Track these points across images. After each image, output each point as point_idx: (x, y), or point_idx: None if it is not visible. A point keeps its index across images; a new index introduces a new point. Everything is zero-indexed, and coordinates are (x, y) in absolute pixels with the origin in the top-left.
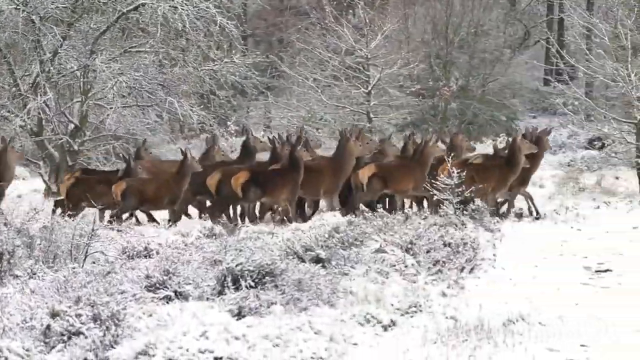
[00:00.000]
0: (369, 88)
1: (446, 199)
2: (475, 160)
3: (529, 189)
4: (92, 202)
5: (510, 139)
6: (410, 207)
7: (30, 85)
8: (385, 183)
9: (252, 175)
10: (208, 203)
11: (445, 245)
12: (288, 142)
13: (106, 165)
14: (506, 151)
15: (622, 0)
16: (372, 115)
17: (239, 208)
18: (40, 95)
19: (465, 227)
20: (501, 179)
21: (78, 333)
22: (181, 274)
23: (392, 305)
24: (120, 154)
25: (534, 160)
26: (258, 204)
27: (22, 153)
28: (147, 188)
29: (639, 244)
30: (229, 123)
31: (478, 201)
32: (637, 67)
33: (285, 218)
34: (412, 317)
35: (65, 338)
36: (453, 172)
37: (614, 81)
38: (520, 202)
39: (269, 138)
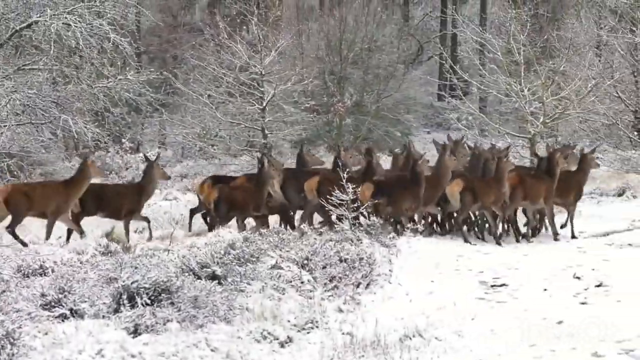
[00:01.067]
0: (264, 104)
1: (342, 215)
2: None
3: None
4: None
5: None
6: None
7: None
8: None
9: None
10: None
11: (341, 261)
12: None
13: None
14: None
15: (514, 15)
16: (267, 132)
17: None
18: None
19: (361, 243)
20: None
21: None
22: (77, 292)
23: (289, 321)
24: (15, 172)
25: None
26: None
27: None
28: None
29: (533, 258)
30: (123, 140)
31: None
32: (530, 82)
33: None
34: (308, 333)
35: None
36: (348, 187)
37: (508, 96)
38: None
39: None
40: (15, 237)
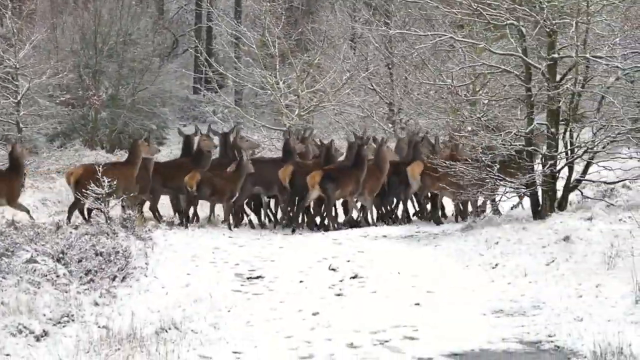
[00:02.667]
0: (18, 98)
1: (98, 208)
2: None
3: None
4: None
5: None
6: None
7: None
8: None
9: None
10: None
11: (97, 254)
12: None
13: None
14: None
15: (268, 8)
16: (22, 126)
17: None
18: None
19: (117, 236)
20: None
21: None
22: None
23: (44, 315)
24: None
25: None
26: None
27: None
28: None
29: (289, 250)
30: None
31: (130, 210)
32: (285, 75)
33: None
34: (64, 327)
35: None
36: (104, 180)
37: (263, 89)
38: None
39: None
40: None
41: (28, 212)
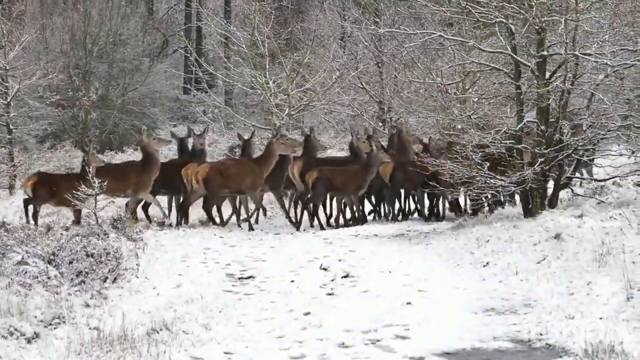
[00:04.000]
0: (8, 99)
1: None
2: None
3: None
4: None
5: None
6: None
7: None
8: None
9: None
10: None
11: (88, 255)
12: None
13: None
14: None
15: (258, 8)
16: (12, 127)
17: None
18: None
19: (108, 237)
20: None
21: None
22: None
23: (36, 317)
24: None
25: None
26: None
27: None
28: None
29: (280, 250)
30: None
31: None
32: (275, 75)
33: None
34: (55, 328)
35: None
36: (94, 181)
37: (253, 88)
38: None
39: None
40: (210, 216)
41: (160, 207)
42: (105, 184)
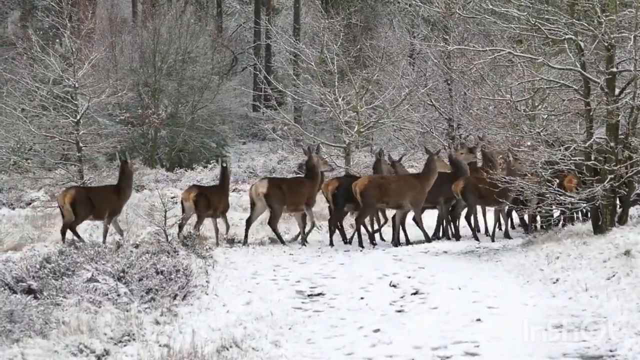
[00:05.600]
0: (78, 117)
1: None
2: None
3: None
4: None
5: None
6: None
7: None
8: None
9: None
10: None
11: (157, 272)
12: None
13: None
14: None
15: (327, 25)
16: (81, 145)
17: None
18: None
19: (178, 255)
20: None
21: None
22: None
23: (105, 334)
24: None
25: None
26: None
27: None
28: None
29: (349, 267)
30: None
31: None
32: (344, 92)
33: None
34: (125, 345)
35: None
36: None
37: (322, 106)
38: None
39: None
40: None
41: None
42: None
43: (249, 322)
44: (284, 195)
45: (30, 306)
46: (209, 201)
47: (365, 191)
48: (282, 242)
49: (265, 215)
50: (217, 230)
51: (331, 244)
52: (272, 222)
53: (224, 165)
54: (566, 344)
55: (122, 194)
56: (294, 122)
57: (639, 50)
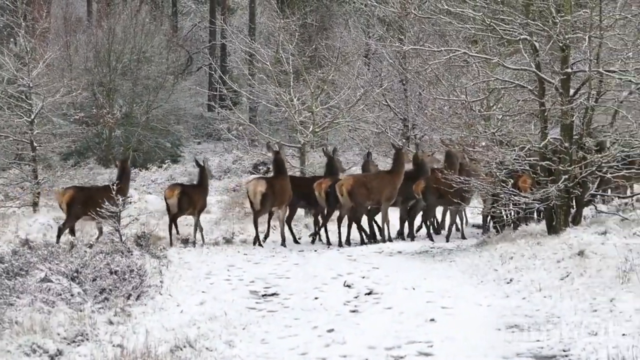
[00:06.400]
0: (32, 117)
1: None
2: None
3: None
4: None
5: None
6: None
7: None
8: None
9: None
10: None
11: (111, 272)
12: None
13: None
14: None
15: (282, 25)
16: (35, 144)
17: None
18: None
19: (132, 255)
20: None
21: None
22: None
23: (59, 334)
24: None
25: None
26: None
27: None
28: None
29: (304, 267)
30: None
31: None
32: (300, 92)
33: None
34: (79, 345)
35: None
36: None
37: (277, 106)
38: None
39: None
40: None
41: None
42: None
43: (203, 322)
44: (274, 194)
45: None
46: (190, 199)
47: (353, 190)
48: (264, 238)
49: (218, 215)
50: (201, 228)
51: (328, 243)
52: (256, 219)
53: (202, 165)
54: (520, 344)
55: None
56: (249, 122)
57: (594, 50)
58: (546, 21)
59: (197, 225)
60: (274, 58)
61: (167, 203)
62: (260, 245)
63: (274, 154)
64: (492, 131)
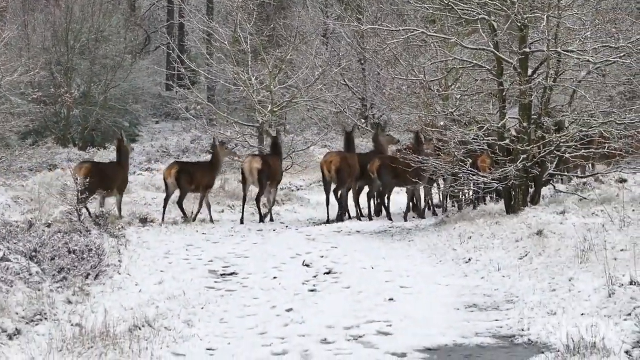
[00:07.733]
0: None
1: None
2: None
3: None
4: None
5: None
6: None
7: None
8: None
9: None
10: None
11: (70, 252)
12: None
13: None
14: None
15: (240, 4)
16: None
17: None
18: None
19: (90, 234)
20: None
21: None
22: None
23: (17, 314)
24: None
25: None
26: None
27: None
28: None
29: (263, 246)
30: None
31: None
32: (258, 71)
33: None
34: (37, 325)
35: None
36: (76, 178)
37: (236, 85)
38: None
39: None
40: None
41: None
42: None
43: (162, 301)
44: (272, 171)
45: None
46: (192, 177)
47: (382, 170)
48: (262, 219)
49: (176, 194)
50: (209, 205)
51: (358, 217)
52: (259, 198)
53: (216, 146)
54: (479, 324)
55: (125, 169)
56: (207, 102)
57: (552, 30)
58: (504, 1)
59: (206, 202)
60: (232, 37)
61: (165, 183)
62: (241, 222)
63: (272, 139)
64: (451, 111)
